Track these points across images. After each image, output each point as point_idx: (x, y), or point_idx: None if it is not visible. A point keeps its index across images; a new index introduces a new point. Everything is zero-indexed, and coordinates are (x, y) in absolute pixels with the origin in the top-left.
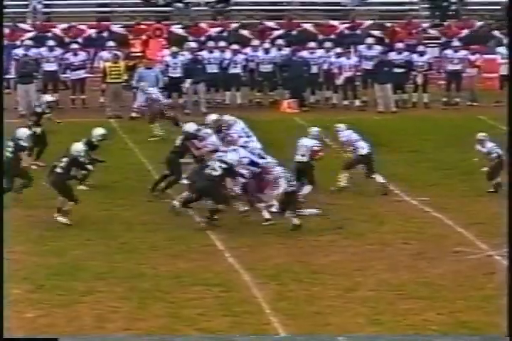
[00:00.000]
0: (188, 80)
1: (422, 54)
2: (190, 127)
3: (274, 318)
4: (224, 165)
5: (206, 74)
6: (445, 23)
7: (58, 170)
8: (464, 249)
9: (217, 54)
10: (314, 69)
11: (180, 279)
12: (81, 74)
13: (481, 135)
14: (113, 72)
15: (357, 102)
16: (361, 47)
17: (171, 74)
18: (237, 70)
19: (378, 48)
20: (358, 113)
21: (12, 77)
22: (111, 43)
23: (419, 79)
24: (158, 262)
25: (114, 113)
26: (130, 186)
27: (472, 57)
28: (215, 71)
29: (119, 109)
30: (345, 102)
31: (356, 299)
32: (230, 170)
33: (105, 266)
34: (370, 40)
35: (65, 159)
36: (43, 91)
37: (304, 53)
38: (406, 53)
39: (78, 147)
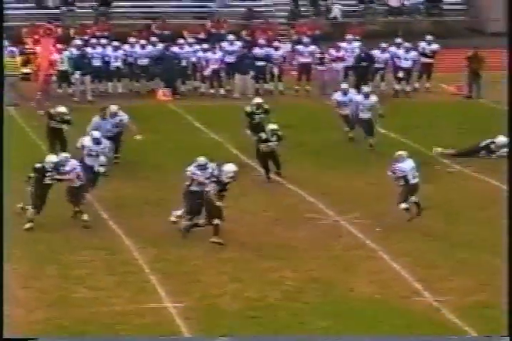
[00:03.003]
0: (77, 72)
1: (277, 49)
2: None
3: (153, 277)
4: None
5: (92, 67)
6: (297, 23)
7: None
8: (315, 215)
9: (99, 50)
10: (184, 63)
11: (71, 244)
12: None
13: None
14: (10, 66)
15: (221, 91)
16: (224, 44)
17: (61, 68)
18: (118, 64)
19: (238, 44)
20: (223, 99)
21: None
22: (5, 42)
23: (276, 71)
24: (52, 228)
25: (12, 101)
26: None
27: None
28: (99, 65)
29: (17, 98)
30: (212, 91)
31: (221, 259)
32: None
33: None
34: (231, 37)
35: None
36: None
37: (175, 49)
38: (267, 48)
39: None
